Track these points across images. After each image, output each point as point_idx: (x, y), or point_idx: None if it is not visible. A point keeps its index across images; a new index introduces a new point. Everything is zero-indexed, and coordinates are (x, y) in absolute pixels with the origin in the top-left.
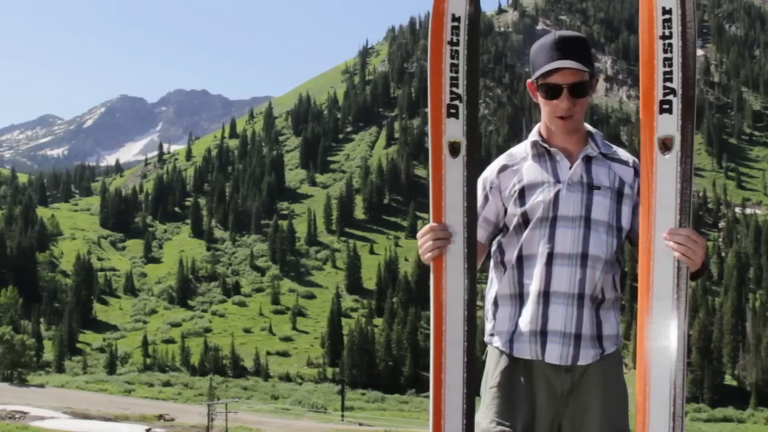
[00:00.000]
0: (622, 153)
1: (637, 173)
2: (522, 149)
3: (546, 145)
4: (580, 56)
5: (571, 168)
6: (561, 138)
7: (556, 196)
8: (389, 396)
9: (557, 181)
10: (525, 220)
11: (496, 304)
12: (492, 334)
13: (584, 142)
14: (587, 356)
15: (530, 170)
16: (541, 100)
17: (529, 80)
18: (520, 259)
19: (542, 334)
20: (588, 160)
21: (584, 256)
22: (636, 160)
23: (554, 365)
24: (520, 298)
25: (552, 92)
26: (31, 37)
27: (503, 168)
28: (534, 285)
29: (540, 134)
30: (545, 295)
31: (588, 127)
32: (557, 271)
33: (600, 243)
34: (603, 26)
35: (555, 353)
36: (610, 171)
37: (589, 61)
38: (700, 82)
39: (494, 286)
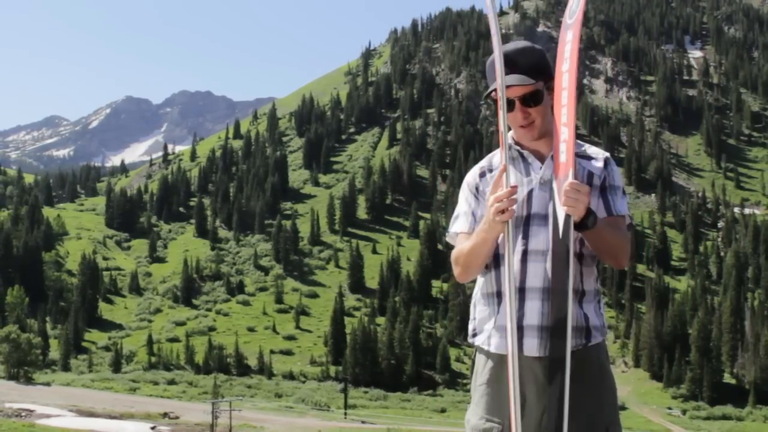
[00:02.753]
0: (593, 150)
1: (606, 164)
2: (499, 154)
3: (519, 148)
4: (526, 68)
5: (542, 168)
6: (532, 141)
7: (530, 195)
8: (391, 394)
9: (530, 181)
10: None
11: (475, 304)
12: (474, 334)
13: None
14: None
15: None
16: (501, 114)
17: (491, 91)
18: (497, 257)
19: (518, 329)
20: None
21: (556, 252)
22: (608, 154)
23: (538, 359)
24: (498, 296)
25: (506, 106)
26: (37, 39)
27: (483, 173)
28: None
29: (513, 138)
30: (521, 291)
31: None
32: (531, 267)
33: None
34: (603, 28)
35: (533, 347)
36: (580, 167)
37: (537, 70)
38: (699, 84)
39: (477, 286)
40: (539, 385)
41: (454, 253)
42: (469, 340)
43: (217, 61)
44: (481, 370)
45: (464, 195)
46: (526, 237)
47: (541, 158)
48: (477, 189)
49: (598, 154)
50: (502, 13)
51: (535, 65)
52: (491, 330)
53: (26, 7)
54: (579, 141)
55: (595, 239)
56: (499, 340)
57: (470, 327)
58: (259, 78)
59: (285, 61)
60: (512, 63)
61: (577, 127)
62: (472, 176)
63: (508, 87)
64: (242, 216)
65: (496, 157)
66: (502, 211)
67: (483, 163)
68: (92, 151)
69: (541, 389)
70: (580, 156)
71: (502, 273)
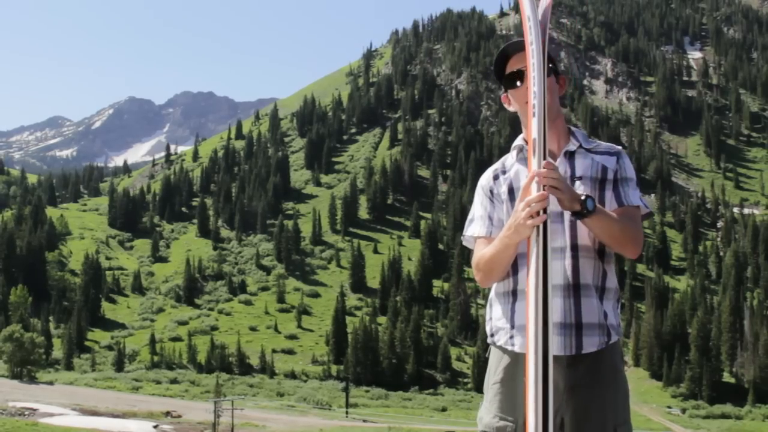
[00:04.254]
0: (606, 145)
1: (619, 158)
2: (510, 157)
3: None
4: None
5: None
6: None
7: None
8: (393, 393)
9: None
10: None
11: (491, 304)
12: (492, 334)
13: (566, 139)
14: (592, 344)
15: (518, 174)
16: (512, 97)
17: (502, 94)
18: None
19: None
20: (570, 156)
21: (574, 247)
22: (620, 148)
23: (556, 359)
24: (513, 295)
25: (515, 78)
26: (40, 40)
27: (497, 176)
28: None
29: (524, 140)
30: None
31: (570, 126)
32: (551, 264)
33: (586, 232)
34: (603, 29)
35: (558, 344)
36: (593, 162)
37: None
38: (699, 84)
39: (492, 288)
40: (556, 386)
41: (474, 259)
42: (488, 340)
43: (220, 62)
44: (495, 368)
45: (479, 198)
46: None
47: (553, 156)
48: (492, 192)
49: (611, 148)
50: (502, 14)
51: None
52: (513, 329)
53: (29, 9)
54: (591, 139)
55: (599, 227)
56: (523, 339)
57: (487, 327)
58: (261, 79)
59: (287, 62)
60: (518, 43)
61: (576, 127)
62: (486, 179)
63: (516, 59)
64: (244, 216)
65: (509, 160)
66: (532, 216)
67: (496, 165)
68: (95, 152)
69: (558, 391)
70: (594, 151)
71: (519, 272)
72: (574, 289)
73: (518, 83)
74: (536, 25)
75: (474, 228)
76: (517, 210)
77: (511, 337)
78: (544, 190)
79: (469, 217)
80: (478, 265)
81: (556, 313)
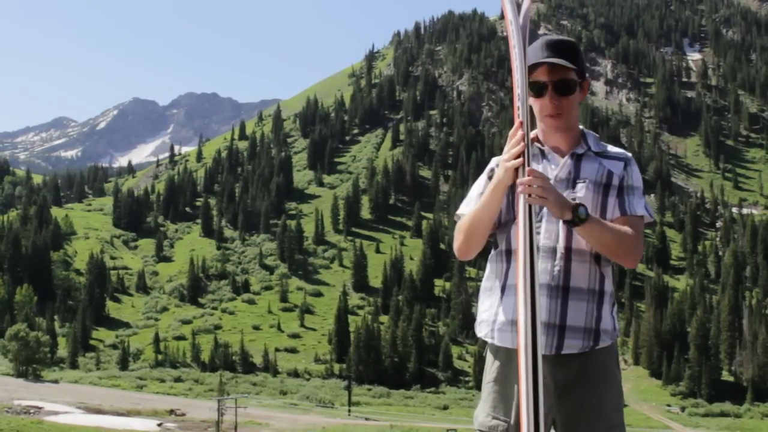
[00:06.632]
0: (615, 150)
1: (626, 164)
2: None
3: (539, 145)
4: (565, 56)
5: (560, 165)
6: (554, 137)
7: None
8: (394, 391)
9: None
10: (515, 216)
11: (480, 299)
12: (478, 324)
13: (577, 141)
14: (573, 347)
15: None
16: (531, 100)
17: None
18: (508, 252)
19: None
20: (578, 158)
21: (568, 249)
22: (629, 155)
23: (547, 359)
24: (502, 290)
25: (537, 89)
26: (45, 42)
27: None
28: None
29: (537, 135)
30: None
31: (583, 128)
32: (540, 264)
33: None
34: (603, 31)
35: (540, 344)
36: (600, 166)
37: (575, 61)
38: (698, 86)
39: (486, 277)
40: (547, 387)
41: (458, 223)
42: (475, 330)
43: (223, 64)
44: (489, 367)
45: (480, 179)
46: (537, 233)
47: (561, 154)
48: (493, 171)
49: (620, 154)
50: (503, 16)
51: (575, 55)
52: (497, 324)
53: (33, 10)
54: (602, 143)
55: (592, 237)
56: (504, 334)
57: (477, 319)
58: (264, 80)
59: (289, 63)
60: (552, 48)
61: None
62: (493, 162)
63: (544, 68)
64: (247, 216)
65: None
66: (516, 158)
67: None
68: (100, 152)
69: (549, 391)
70: (602, 155)
71: (511, 268)
72: (563, 291)
73: (541, 93)
74: (518, 29)
75: (466, 205)
76: (503, 159)
77: (493, 330)
78: (530, 198)
79: (467, 196)
80: (461, 227)
81: (541, 313)
